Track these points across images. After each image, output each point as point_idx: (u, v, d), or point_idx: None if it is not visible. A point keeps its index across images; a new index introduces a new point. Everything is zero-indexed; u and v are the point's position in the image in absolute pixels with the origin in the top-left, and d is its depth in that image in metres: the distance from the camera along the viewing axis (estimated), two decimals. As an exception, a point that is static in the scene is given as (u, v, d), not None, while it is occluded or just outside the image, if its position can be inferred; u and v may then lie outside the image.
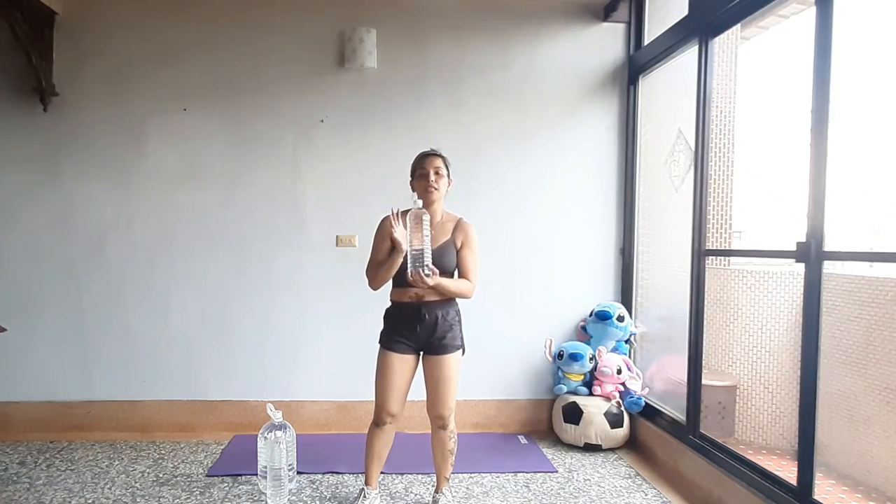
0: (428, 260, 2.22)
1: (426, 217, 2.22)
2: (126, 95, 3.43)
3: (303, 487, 2.79)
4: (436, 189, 2.36)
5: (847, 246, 2.71)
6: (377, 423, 2.44)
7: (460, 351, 2.44)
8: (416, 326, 2.37)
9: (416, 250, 2.22)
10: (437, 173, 2.37)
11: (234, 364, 3.52)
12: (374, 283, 2.39)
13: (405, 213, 2.34)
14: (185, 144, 3.47)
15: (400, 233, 2.25)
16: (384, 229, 2.40)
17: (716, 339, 3.49)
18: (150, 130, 3.45)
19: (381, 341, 2.45)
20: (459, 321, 2.46)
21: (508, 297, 3.59)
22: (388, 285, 2.43)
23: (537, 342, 3.59)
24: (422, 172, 2.38)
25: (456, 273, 2.44)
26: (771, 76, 4.46)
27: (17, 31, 3.13)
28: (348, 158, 3.53)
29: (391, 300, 2.46)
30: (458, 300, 2.46)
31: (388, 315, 2.47)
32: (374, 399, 2.45)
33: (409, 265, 2.24)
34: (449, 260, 2.38)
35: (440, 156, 2.42)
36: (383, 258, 2.36)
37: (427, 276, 2.21)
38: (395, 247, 2.27)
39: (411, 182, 2.44)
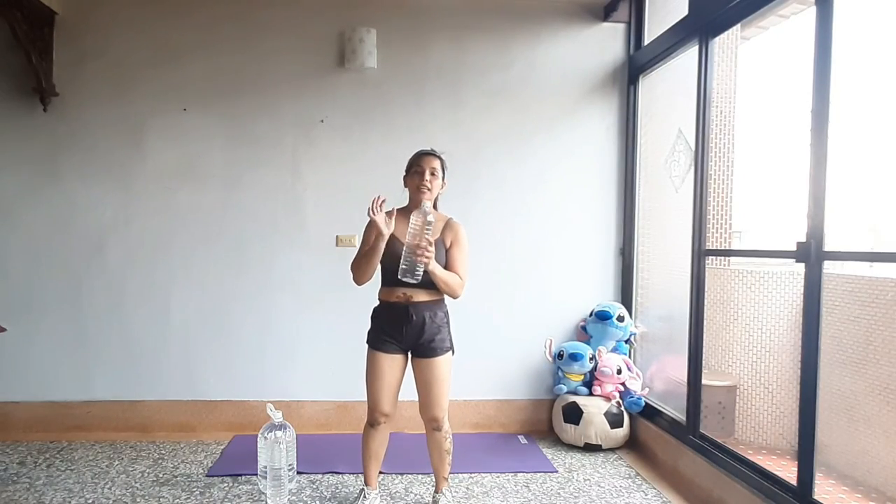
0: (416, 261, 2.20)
1: (431, 219, 2.21)
2: (126, 96, 3.43)
3: (303, 487, 2.79)
4: (428, 189, 2.35)
5: (847, 246, 2.72)
6: (371, 423, 2.45)
7: (450, 352, 2.43)
8: (404, 327, 2.36)
9: (413, 245, 2.20)
10: (432, 174, 2.36)
11: (234, 364, 3.52)
12: (357, 273, 2.36)
13: (401, 210, 2.36)
14: (185, 145, 3.47)
15: (381, 218, 2.24)
16: (374, 228, 2.40)
17: (716, 339, 3.49)
18: (151, 131, 3.45)
19: (368, 341, 2.45)
20: (448, 322, 2.44)
21: (508, 297, 3.59)
22: (378, 284, 2.43)
23: (537, 342, 3.59)
24: (417, 170, 2.37)
25: None
26: (771, 76, 4.46)
27: (17, 30, 3.12)
28: (348, 159, 3.53)
29: (379, 299, 2.45)
30: (447, 301, 2.45)
31: (376, 314, 2.46)
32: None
33: (404, 259, 2.21)
34: (438, 259, 2.35)
35: (439, 157, 2.41)
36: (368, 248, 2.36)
37: (428, 256, 2.18)
38: (377, 233, 2.26)
39: (405, 177, 2.45)
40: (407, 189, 2.45)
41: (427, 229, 2.20)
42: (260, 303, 3.52)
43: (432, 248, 2.20)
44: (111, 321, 3.47)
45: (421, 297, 2.36)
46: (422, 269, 2.21)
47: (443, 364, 2.39)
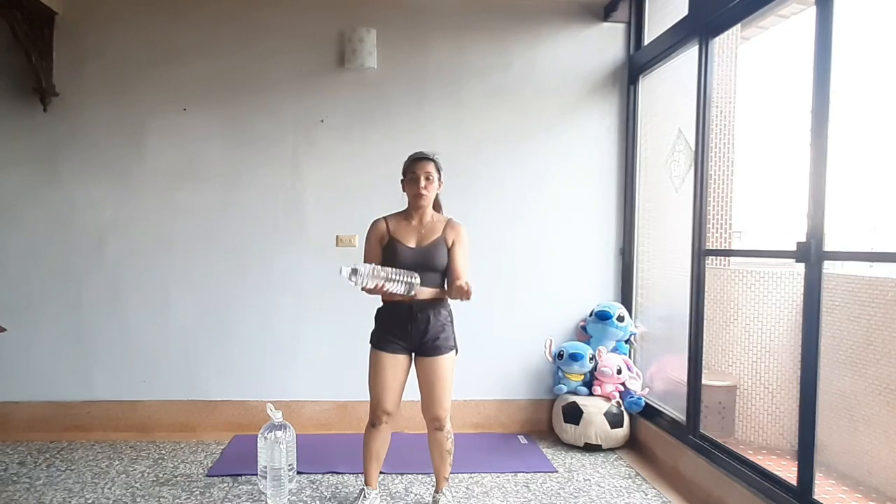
0: (401, 275, 2.19)
1: (370, 268, 2.16)
2: (126, 95, 3.43)
3: (303, 487, 2.79)
4: (425, 194, 2.38)
5: (847, 246, 2.71)
6: (373, 423, 2.45)
7: (453, 351, 2.44)
8: (408, 326, 2.37)
9: (394, 279, 2.18)
10: (427, 178, 2.38)
11: (234, 364, 3.52)
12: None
13: (398, 214, 2.38)
14: (185, 144, 3.47)
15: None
16: (375, 233, 2.43)
17: (716, 339, 3.49)
18: (151, 130, 3.45)
19: (372, 341, 2.45)
20: (451, 321, 2.46)
21: (508, 297, 3.59)
22: None
23: (537, 342, 3.58)
24: (412, 177, 2.39)
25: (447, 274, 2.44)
26: (771, 76, 4.47)
27: (17, 31, 3.13)
28: (348, 159, 3.53)
29: (382, 300, 2.46)
30: (449, 299, 2.46)
31: (380, 315, 2.47)
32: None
33: (404, 286, 2.19)
34: (440, 258, 2.38)
35: (433, 160, 2.42)
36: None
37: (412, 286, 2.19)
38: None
39: (402, 182, 2.46)
40: (406, 194, 2.46)
41: (384, 282, 2.17)
42: (260, 303, 3.52)
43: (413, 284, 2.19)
44: (111, 321, 3.47)
45: (424, 295, 2.36)
46: (416, 280, 2.19)
47: (446, 363, 2.40)
